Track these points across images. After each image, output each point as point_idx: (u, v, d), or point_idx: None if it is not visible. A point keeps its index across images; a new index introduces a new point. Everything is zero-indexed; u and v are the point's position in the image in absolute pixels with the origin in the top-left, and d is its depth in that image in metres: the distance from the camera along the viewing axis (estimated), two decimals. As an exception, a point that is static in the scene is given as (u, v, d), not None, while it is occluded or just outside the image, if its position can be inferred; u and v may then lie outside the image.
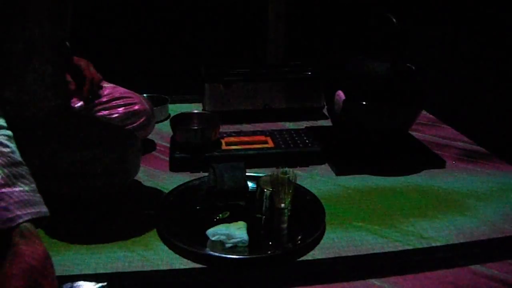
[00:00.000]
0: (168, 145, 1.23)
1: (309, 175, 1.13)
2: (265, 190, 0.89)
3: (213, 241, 0.85)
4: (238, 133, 1.27)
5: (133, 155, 0.98)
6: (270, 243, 0.87)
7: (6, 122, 0.67)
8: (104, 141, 0.94)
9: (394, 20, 1.12)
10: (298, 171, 1.09)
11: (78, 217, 0.94)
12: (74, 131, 0.95)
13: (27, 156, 0.75)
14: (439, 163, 1.19)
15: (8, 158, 0.62)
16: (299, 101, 1.49)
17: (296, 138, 1.23)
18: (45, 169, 0.88)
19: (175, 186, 1.03)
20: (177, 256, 0.83)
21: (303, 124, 1.42)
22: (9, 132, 0.66)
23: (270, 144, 1.20)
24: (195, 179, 1.06)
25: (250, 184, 1.04)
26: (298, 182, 0.89)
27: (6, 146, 0.63)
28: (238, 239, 0.85)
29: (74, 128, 0.95)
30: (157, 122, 1.37)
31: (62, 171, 0.91)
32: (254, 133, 1.29)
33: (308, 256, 0.84)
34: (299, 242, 0.86)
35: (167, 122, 1.34)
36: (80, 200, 0.97)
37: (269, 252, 0.85)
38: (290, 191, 0.85)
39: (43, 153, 0.89)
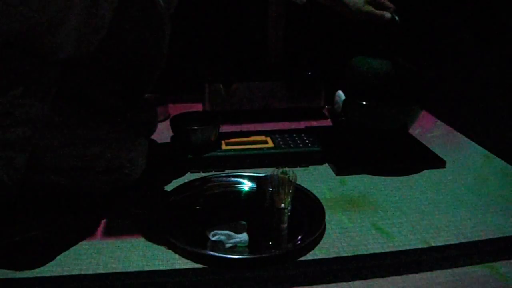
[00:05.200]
0: (168, 145, 1.23)
1: (309, 175, 1.13)
2: (265, 190, 0.89)
3: (213, 241, 0.85)
4: (238, 133, 1.27)
5: (139, 153, 0.99)
6: (270, 243, 0.87)
7: None
8: (112, 137, 0.95)
9: (397, 18, 1.12)
10: (298, 171, 1.09)
11: (77, 217, 0.94)
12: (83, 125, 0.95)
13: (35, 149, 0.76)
14: (439, 163, 1.19)
15: None
16: (299, 101, 1.49)
17: (296, 138, 1.23)
18: (50, 162, 0.89)
19: (175, 186, 1.04)
20: (177, 256, 0.83)
21: (303, 124, 1.42)
22: None
23: (270, 144, 1.20)
24: (195, 179, 1.07)
25: (250, 184, 1.04)
26: (298, 182, 0.89)
27: None
28: (238, 239, 0.85)
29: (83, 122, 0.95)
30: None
31: (67, 165, 0.91)
32: (254, 133, 1.29)
33: (308, 256, 0.84)
34: (299, 242, 0.86)
35: (167, 122, 1.34)
36: (79, 199, 0.97)
37: (269, 252, 0.85)
38: (290, 191, 0.85)
39: (51, 145, 0.88)
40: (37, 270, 0.79)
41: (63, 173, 0.92)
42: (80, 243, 0.86)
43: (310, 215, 0.93)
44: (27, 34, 0.78)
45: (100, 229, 0.91)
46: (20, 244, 0.84)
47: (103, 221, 0.93)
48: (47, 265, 0.80)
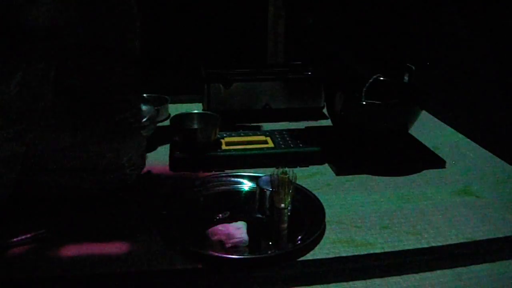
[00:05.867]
0: (168, 145, 1.23)
1: (309, 175, 1.13)
2: (265, 190, 0.89)
3: (213, 241, 0.85)
4: (238, 133, 1.27)
5: (138, 153, 0.99)
6: (270, 243, 0.87)
7: None
8: (111, 138, 0.95)
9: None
10: (298, 171, 1.08)
11: (77, 218, 0.94)
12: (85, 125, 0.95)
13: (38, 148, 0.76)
14: (439, 163, 1.19)
15: None
16: (299, 101, 1.48)
17: (296, 138, 1.23)
18: (50, 163, 0.89)
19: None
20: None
21: (303, 124, 1.42)
22: None
23: (270, 144, 1.20)
24: (195, 179, 1.06)
25: (250, 184, 1.04)
26: (298, 182, 0.89)
27: None
28: (238, 239, 0.85)
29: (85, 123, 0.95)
30: (157, 122, 1.37)
31: (67, 166, 0.91)
32: (254, 133, 1.29)
33: (308, 256, 0.84)
34: (299, 242, 0.86)
35: (167, 122, 1.34)
36: (80, 199, 0.97)
37: (269, 252, 0.85)
38: (290, 191, 0.85)
39: (51, 147, 0.88)
40: (37, 270, 0.79)
41: (63, 174, 0.92)
42: (79, 243, 0.86)
43: (310, 215, 0.93)
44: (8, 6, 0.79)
45: (100, 229, 0.91)
46: (22, 244, 0.84)
47: (103, 221, 0.93)
48: (47, 265, 0.80)
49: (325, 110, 1.49)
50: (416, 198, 1.04)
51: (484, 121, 1.35)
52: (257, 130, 1.33)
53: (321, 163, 1.19)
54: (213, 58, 1.70)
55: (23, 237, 0.85)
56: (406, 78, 1.25)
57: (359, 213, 0.98)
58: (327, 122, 1.42)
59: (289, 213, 0.86)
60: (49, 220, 0.90)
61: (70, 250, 0.84)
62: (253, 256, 0.84)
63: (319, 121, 1.47)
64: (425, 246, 0.87)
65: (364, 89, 1.21)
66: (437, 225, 0.94)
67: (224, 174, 1.10)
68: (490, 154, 1.25)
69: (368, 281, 0.78)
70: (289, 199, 0.85)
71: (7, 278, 0.77)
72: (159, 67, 1.69)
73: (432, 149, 1.26)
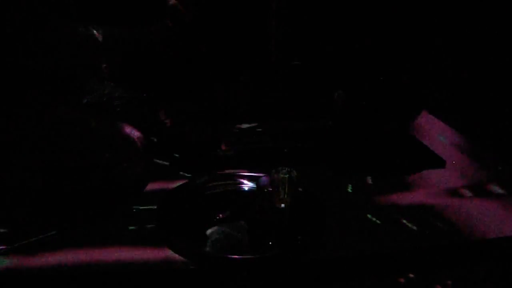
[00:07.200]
0: (168, 145, 1.23)
1: (309, 175, 1.13)
2: (265, 190, 0.89)
3: (213, 241, 0.85)
4: (239, 133, 1.27)
5: (138, 151, 0.99)
6: (270, 243, 0.87)
7: None
8: (110, 137, 0.96)
9: None
10: (298, 171, 1.08)
11: (77, 218, 0.94)
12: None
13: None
14: (439, 163, 1.19)
15: None
16: (300, 101, 1.48)
17: (296, 138, 1.23)
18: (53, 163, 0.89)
19: (175, 186, 1.04)
20: (177, 256, 0.83)
21: (303, 124, 1.42)
22: None
23: (270, 144, 1.20)
24: (195, 179, 1.06)
25: (250, 184, 1.04)
26: (298, 182, 0.89)
27: None
28: (238, 240, 0.85)
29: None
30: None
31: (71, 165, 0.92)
32: (254, 133, 1.29)
33: (308, 256, 0.84)
34: (299, 242, 0.86)
35: (166, 122, 1.34)
36: (81, 199, 0.97)
37: (269, 252, 0.85)
38: (290, 191, 0.85)
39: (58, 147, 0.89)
40: (38, 270, 0.79)
41: (64, 174, 0.93)
42: (79, 242, 0.86)
43: (310, 215, 0.93)
44: None
45: (100, 228, 0.91)
46: (33, 246, 0.85)
47: (102, 221, 0.93)
48: (49, 265, 0.80)
49: (325, 110, 1.49)
50: (416, 198, 1.04)
51: (485, 121, 1.35)
52: (257, 131, 1.34)
53: (321, 163, 1.19)
54: (214, 58, 1.70)
55: (34, 238, 0.85)
56: (406, 78, 1.25)
57: (359, 213, 0.98)
58: (327, 122, 1.42)
59: (289, 213, 0.86)
60: (59, 221, 0.90)
61: (70, 251, 0.84)
62: (253, 256, 0.84)
63: (319, 121, 1.47)
64: (426, 246, 0.87)
65: (364, 89, 1.21)
66: (437, 225, 0.94)
67: (224, 174, 1.10)
68: (490, 154, 1.25)
69: (368, 281, 0.78)
70: (289, 199, 0.85)
71: (18, 278, 0.77)
72: (159, 67, 1.69)
73: (432, 149, 1.26)
